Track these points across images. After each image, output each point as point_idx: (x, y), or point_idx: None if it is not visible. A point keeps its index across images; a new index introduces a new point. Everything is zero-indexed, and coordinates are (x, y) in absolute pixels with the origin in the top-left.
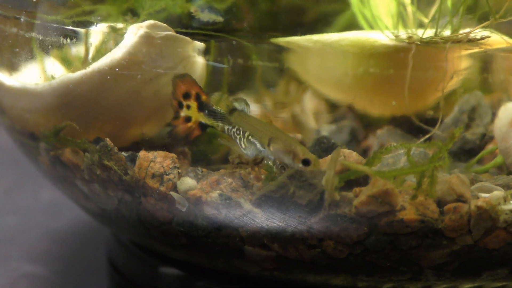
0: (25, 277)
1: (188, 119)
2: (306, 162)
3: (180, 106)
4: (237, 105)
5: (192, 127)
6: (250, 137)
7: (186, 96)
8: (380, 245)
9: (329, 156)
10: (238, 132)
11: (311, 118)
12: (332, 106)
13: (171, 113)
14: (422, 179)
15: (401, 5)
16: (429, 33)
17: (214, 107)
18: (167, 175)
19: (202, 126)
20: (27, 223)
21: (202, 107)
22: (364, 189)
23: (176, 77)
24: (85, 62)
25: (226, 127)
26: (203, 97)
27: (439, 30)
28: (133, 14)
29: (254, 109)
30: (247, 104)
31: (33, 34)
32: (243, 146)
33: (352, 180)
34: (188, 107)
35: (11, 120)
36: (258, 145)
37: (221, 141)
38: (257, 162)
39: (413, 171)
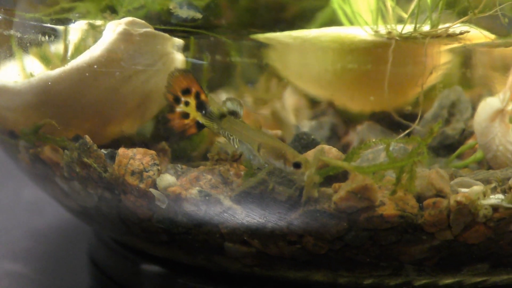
0: (7, 276)
1: (185, 115)
2: (297, 165)
3: (177, 100)
4: (230, 105)
5: (189, 124)
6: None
7: (186, 91)
8: (359, 241)
9: (309, 152)
10: (231, 133)
11: (291, 114)
12: (312, 102)
13: (162, 107)
14: (401, 174)
15: (380, 0)
16: (408, 28)
17: (211, 109)
18: (146, 172)
19: (199, 125)
20: (9, 221)
21: (200, 106)
22: (344, 185)
23: (177, 70)
24: (64, 59)
25: (221, 129)
26: (203, 97)
27: (418, 25)
28: (112, 11)
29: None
30: (241, 105)
31: (12, 32)
32: (236, 146)
33: (332, 176)
34: (187, 103)
35: None
36: (249, 145)
37: (220, 143)
38: (235, 158)
39: (392, 167)
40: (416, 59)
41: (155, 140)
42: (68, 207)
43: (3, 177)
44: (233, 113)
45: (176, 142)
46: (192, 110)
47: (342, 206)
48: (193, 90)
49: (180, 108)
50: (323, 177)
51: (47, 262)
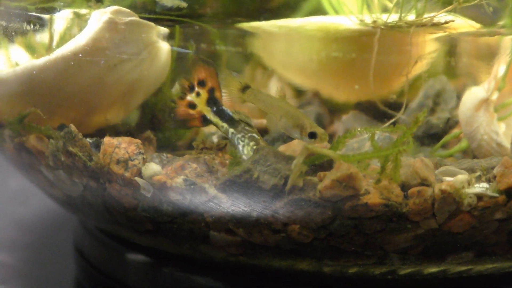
0: None
1: (193, 106)
2: (312, 135)
3: (192, 89)
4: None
5: (193, 116)
6: (255, 146)
7: (202, 83)
8: (344, 230)
9: (294, 141)
10: (242, 139)
11: None
12: (298, 91)
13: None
14: (386, 163)
15: None
16: (393, 17)
17: (224, 107)
18: (131, 160)
19: (205, 120)
20: None
21: (211, 102)
22: (328, 174)
23: (201, 59)
24: (49, 48)
25: (230, 131)
26: (217, 94)
27: (403, 14)
28: (97, 0)
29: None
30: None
31: None
32: (245, 152)
33: (317, 165)
34: (198, 94)
35: None
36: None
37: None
38: (220, 147)
39: (377, 156)
40: (401, 48)
41: (140, 129)
42: (53, 196)
43: None
44: (247, 123)
45: (163, 131)
46: (201, 103)
47: (327, 194)
48: (209, 84)
49: (190, 97)
50: (308, 166)
51: (32, 251)
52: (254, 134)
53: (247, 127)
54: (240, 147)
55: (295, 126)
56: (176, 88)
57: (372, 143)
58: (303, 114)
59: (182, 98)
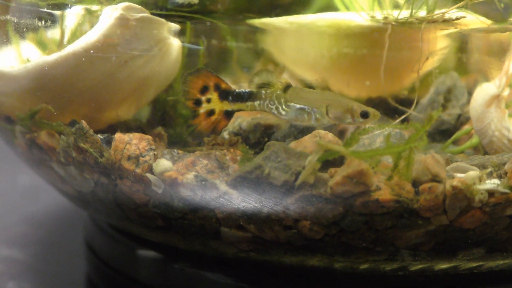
0: (2, 261)
1: (211, 112)
2: (364, 115)
3: (199, 103)
4: (258, 79)
5: (217, 119)
6: (282, 99)
7: (204, 90)
8: (355, 226)
9: (305, 137)
10: (272, 103)
11: None
12: (308, 87)
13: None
14: (399, 160)
15: None
16: (404, 13)
17: (237, 90)
18: (143, 157)
19: (228, 114)
20: (4, 207)
21: (224, 95)
22: (340, 170)
23: (188, 74)
24: (60, 44)
25: (257, 103)
26: (223, 85)
27: (414, 10)
28: None
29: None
30: (271, 73)
31: (8, 17)
32: (283, 113)
33: (328, 161)
34: (209, 100)
35: None
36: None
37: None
38: (232, 143)
39: (389, 152)
40: (412, 44)
41: (151, 125)
42: (65, 192)
43: None
44: (266, 85)
45: (173, 127)
46: (216, 104)
47: (338, 191)
48: (211, 84)
49: (203, 109)
50: (321, 162)
51: (43, 247)
52: (276, 90)
53: (268, 90)
54: (275, 112)
55: (345, 111)
56: (186, 112)
57: (386, 140)
58: (348, 99)
59: (195, 116)
